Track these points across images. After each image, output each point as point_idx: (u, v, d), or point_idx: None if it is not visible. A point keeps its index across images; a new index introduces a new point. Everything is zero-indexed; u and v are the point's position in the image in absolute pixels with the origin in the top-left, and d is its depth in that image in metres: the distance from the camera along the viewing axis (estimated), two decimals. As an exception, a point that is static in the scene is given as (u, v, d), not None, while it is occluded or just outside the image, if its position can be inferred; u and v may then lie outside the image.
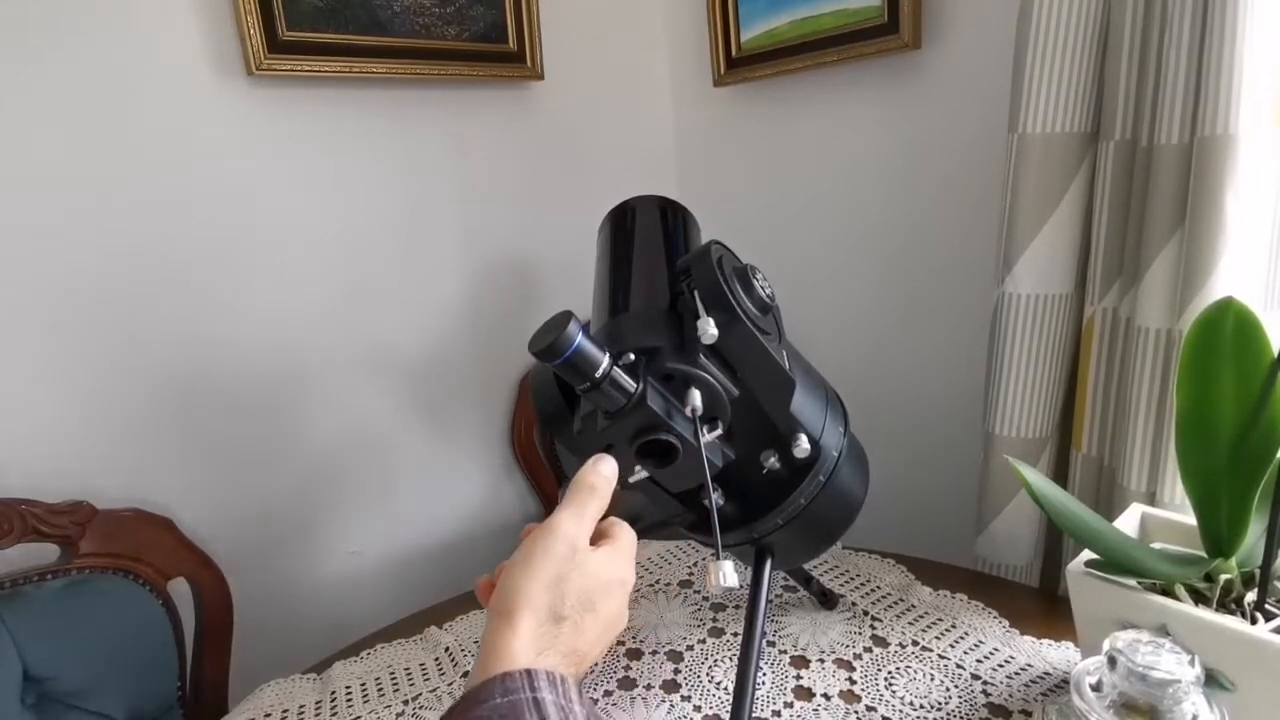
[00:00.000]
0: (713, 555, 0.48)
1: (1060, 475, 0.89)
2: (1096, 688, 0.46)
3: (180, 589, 0.89)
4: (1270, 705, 0.50)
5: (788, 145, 1.24)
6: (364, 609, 1.13)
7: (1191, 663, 0.44)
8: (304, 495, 1.08)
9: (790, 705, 0.66)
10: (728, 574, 0.46)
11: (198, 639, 0.91)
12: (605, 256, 0.69)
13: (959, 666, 0.68)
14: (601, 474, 0.48)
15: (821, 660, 0.71)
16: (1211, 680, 0.50)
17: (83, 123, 0.86)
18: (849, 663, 0.70)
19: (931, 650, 0.71)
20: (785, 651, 0.73)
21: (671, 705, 0.67)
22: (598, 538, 0.47)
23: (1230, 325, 0.54)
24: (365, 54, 1.01)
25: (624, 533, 0.48)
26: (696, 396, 0.52)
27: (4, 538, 0.77)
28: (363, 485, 1.14)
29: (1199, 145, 0.66)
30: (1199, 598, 0.56)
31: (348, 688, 0.74)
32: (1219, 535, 0.57)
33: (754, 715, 0.64)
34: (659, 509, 0.60)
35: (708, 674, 0.71)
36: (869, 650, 0.72)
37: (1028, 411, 0.86)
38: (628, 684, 0.70)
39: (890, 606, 0.78)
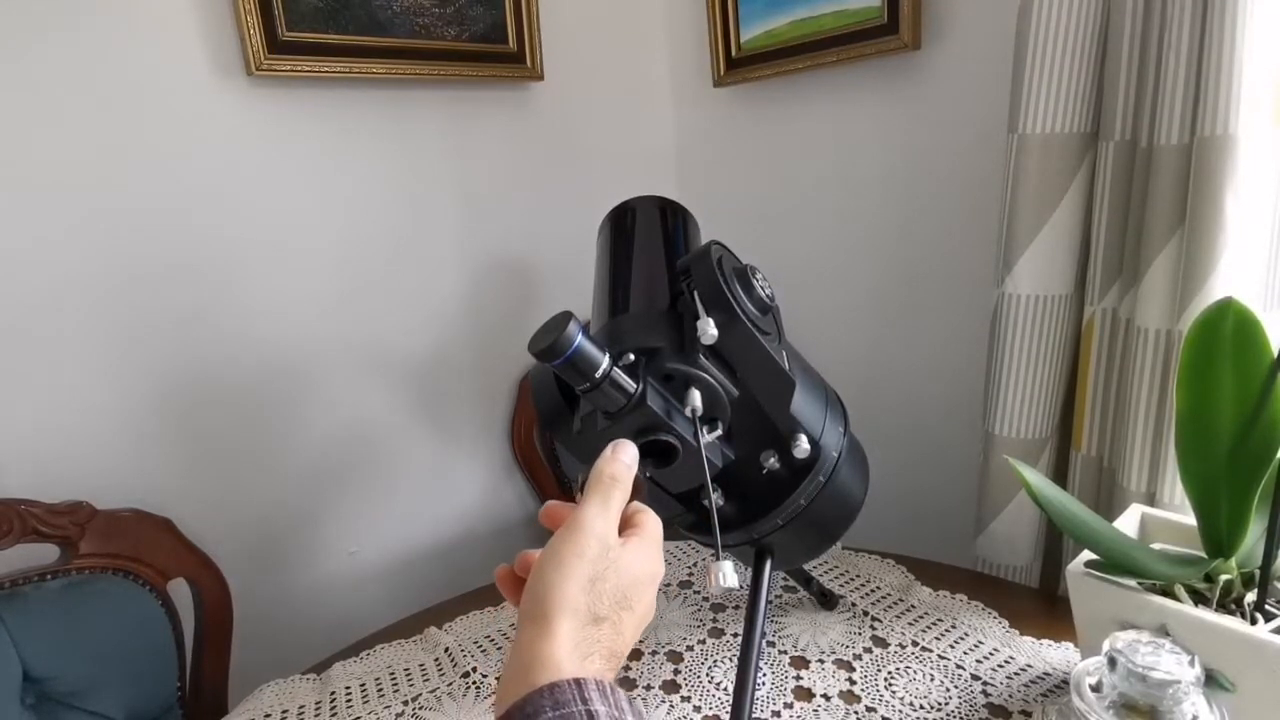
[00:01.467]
0: (712, 556, 0.48)
1: (1060, 475, 0.90)
2: (1096, 688, 0.46)
3: (180, 589, 0.89)
4: (1270, 705, 0.50)
5: (787, 145, 1.24)
6: (364, 609, 1.13)
7: (1191, 663, 0.44)
8: (304, 495, 1.08)
9: (790, 706, 0.66)
10: (727, 574, 0.46)
11: (198, 639, 0.91)
12: (605, 257, 0.70)
13: (959, 667, 0.68)
14: (622, 462, 0.47)
15: (821, 661, 0.71)
16: (1211, 680, 0.50)
17: (82, 123, 0.86)
18: (849, 663, 0.70)
19: (931, 651, 0.71)
20: (785, 652, 0.73)
21: (671, 706, 0.67)
22: (623, 527, 0.46)
23: (1230, 326, 0.54)
24: (365, 54, 1.01)
25: (650, 521, 0.47)
26: (696, 397, 0.52)
27: (4, 538, 0.76)
28: (363, 485, 1.14)
29: (1199, 146, 0.66)
30: (1199, 598, 0.56)
31: (347, 688, 0.74)
32: (1219, 535, 0.57)
33: (754, 716, 0.64)
34: (659, 509, 0.60)
35: (708, 674, 0.71)
36: (869, 651, 0.72)
37: (1027, 412, 0.86)
38: (627, 684, 0.70)
39: (890, 607, 0.78)
